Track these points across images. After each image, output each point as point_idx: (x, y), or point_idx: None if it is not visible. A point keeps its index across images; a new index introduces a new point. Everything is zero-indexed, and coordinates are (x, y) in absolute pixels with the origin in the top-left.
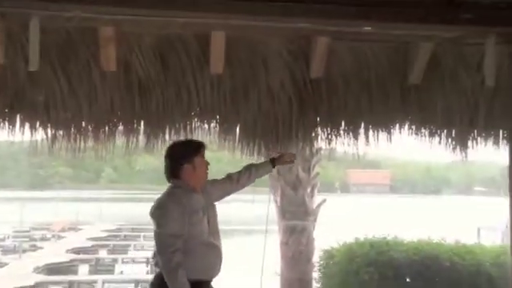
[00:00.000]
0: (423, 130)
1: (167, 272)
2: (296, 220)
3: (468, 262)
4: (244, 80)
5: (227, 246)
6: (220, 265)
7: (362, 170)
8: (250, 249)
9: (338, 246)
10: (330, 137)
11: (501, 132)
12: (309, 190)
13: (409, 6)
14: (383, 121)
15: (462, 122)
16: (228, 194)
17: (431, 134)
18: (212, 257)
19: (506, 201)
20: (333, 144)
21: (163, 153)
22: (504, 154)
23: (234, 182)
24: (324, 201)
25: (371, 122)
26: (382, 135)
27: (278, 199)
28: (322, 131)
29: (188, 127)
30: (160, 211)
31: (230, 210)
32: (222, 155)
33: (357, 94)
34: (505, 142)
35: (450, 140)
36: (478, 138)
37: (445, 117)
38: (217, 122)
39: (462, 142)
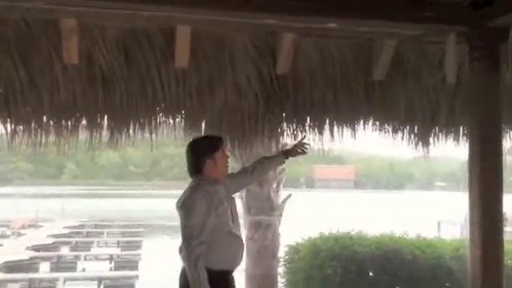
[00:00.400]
0: (387, 126)
1: (188, 262)
2: (261, 215)
3: (429, 255)
4: (210, 75)
5: None
6: (242, 255)
7: (327, 165)
8: None
9: (303, 241)
10: (295, 132)
11: (461, 128)
12: (274, 185)
13: (373, 4)
14: (348, 117)
15: (424, 118)
16: (243, 186)
17: (394, 130)
18: (236, 247)
19: (465, 195)
20: (298, 139)
21: (127, 148)
22: (464, 149)
23: (248, 175)
24: (289, 196)
25: (336, 118)
26: (347, 131)
27: (244, 195)
28: (288, 127)
29: (153, 122)
30: (188, 204)
31: None
32: None
33: (322, 90)
34: (465, 138)
35: (412, 136)
36: (440, 135)
37: (407, 113)
38: (182, 118)
39: (423, 138)
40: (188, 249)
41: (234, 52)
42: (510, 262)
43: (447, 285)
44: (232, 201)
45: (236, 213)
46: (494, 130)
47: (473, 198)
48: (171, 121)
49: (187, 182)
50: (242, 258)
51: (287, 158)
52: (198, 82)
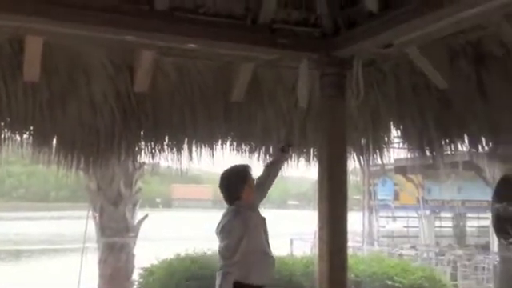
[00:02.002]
0: (244, 147)
1: (221, 278)
2: (116, 237)
3: (282, 272)
4: (62, 90)
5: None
6: (273, 272)
7: (185, 184)
8: (66, 268)
9: (159, 263)
10: (153, 151)
11: (312, 150)
12: (130, 205)
13: (232, 28)
14: (206, 137)
15: (278, 139)
16: (263, 197)
17: (251, 151)
18: (267, 265)
19: (315, 213)
20: (156, 159)
21: None
22: (314, 170)
23: (261, 184)
24: (146, 216)
25: (195, 138)
26: (205, 150)
27: (98, 215)
28: (146, 146)
29: None
30: (226, 229)
31: (46, 228)
32: (36, 169)
33: (181, 109)
34: (315, 159)
35: (267, 156)
36: (293, 155)
37: (263, 134)
38: (30, 134)
39: None
40: (222, 268)
41: (90, 67)
42: (352, 276)
43: None
44: (264, 222)
45: (267, 232)
46: (340, 151)
47: (321, 216)
48: (18, 137)
49: (35, 203)
50: (272, 274)
51: (288, 151)
52: (49, 96)
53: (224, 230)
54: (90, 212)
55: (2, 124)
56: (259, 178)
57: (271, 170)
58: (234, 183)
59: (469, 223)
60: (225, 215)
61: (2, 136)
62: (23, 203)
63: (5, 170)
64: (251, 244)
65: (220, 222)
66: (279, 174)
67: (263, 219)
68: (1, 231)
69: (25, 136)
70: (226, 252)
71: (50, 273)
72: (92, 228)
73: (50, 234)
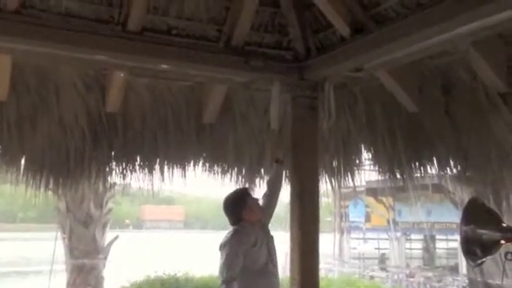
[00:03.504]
0: (216, 168)
1: None
2: (85, 258)
3: None
4: (32, 109)
5: None
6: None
7: (157, 205)
8: None
9: (129, 285)
10: (124, 172)
11: (284, 171)
12: (100, 226)
13: (206, 50)
14: (178, 157)
15: (251, 160)
16: (272, 212)
17: (223, 172)
18: (267, 284)
19: (287, 235)
20: (127, 179)
21: None
22: (286, 191)
23: (266, 201)
24: (116, 238)
25: (167, 158)
26: (177, 171)
27: (67, 236)
28: (117, 166)
29: None
30: (224, 246)
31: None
32: (4, 189)
33: (153, 130)
34: (287, 180)
35: (240, 177)
36: (265, 176)
37: (236, 155)
38: None
39: (250, 180)
40: (220, 286)
41: (61, 86)
42: None
43: None
44: (271, 239)
45: (273, 250)
46: (312, 172)
47: (293, 237)
48: None
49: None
50: None
51: (282, 163)
52: (17, 116)
53: (221, 248)
54: (59, 233)
55: None
56: (263, 196)
57: (272, 186)
58: (234, 207)
59: (438, 245)
60: (226, 234)
61: None
62: None
63: None
64: (249, 262)
65: (222, 240)
66: (282, 186)
67: (269, 237)
68: None
69: None
70: (223, 269)
71: None
72: (61, 250)
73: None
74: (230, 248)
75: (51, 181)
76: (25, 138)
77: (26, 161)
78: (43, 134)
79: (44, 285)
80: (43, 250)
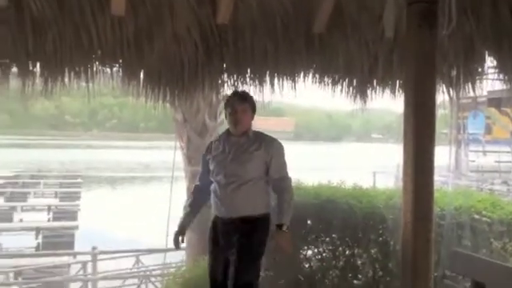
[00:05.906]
0: (326, 79)
1: None
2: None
3: (364, 204)
4: (148, 23)
5: (133, 193)
6: (225, 206)
7: (266, 117)
8: (156, 195)
9: None
10: (236, 84)
11: (397, 81)
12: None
13: None
14: (288, 69)
15: (362, 71)
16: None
17: (334, 83)
18: (217, 195)
19: (400, 146)
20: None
21: (63, 97)
22: (400, 102)
23: (270, 181)
24: None
25: (276, 70)
26: (287, 83)
27: (184, 146)
28: (229, 78)
29: (89, 71)
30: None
31: (135, 156)
32: (126, 101)
33: (263, 41)
34: (400, 90)
35: (351, 89)
36: (377, 87)
37: (346, 66)
38: (119, 67)
39: (362, 91)
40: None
41: (174, 1)
42: (438, 209)
43: (380, 232)
44: (246, 153)
45: (238, 164)
46: (429, 83)
47: (406, 150)
48: (108, 70)
49: (126, 133)
50: (223, 207)
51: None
52: (135, 30)
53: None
54: (177, 142)
55: (93, 57)
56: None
57: (277, 199)
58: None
59: None
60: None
61: (94, 69)
62: (115, 133)
63: (98, 101)
64: (211, 168)
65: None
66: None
67: (249, 153)
68: (95, 159)
69: (114, 69)
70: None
71: (143, 198)
72: (179, 158)
73: (141, 162)
74: (205, 150)
75: (168, 93)
76: (143, 52)
77: (144, 74)
78: (159, 48)
79: (166, 189)
80: (164, 157)
